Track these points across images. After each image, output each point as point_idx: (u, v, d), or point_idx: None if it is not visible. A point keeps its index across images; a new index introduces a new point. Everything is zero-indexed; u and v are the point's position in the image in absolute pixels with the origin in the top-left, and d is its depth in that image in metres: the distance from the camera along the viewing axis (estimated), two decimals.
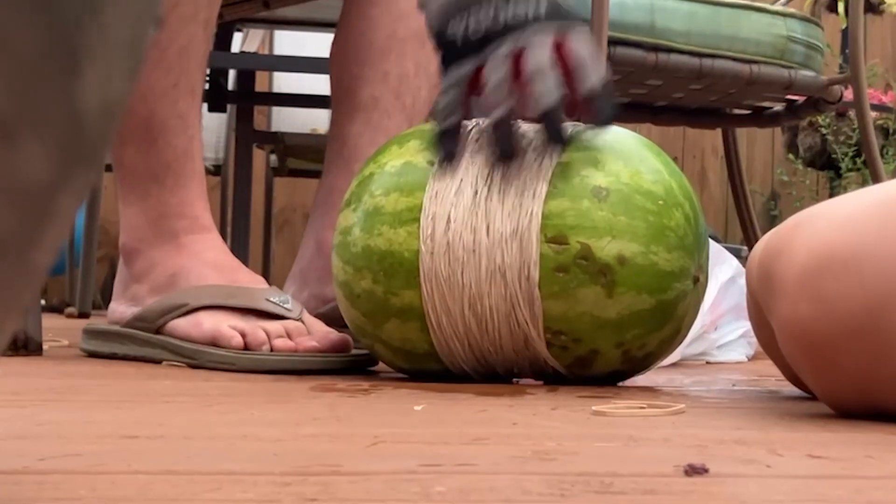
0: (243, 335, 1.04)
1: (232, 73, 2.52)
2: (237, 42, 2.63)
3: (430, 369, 0.95)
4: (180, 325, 1.09)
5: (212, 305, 1.09)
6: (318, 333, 1.06)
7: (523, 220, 0.90)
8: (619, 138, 0.95)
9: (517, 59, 0.93)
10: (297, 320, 1.07)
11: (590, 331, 0.89)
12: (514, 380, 0.95)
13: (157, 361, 1.10)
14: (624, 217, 0.89)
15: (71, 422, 0.64)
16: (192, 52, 1.14)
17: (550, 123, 0.91)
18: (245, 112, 2.44)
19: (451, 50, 0.98)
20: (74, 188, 0.30)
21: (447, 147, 0.93)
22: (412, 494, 0.43)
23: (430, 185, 0.92)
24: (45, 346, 1.16)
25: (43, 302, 2.76)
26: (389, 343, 0.94)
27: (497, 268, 0.90)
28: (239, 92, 2.49)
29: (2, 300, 0.30)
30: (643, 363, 0.93)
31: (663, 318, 0.90)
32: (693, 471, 0.48)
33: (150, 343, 1.12)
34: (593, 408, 0.72)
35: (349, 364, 1.04)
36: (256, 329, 1.05)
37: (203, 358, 1.05)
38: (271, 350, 1.03)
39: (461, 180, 0.92)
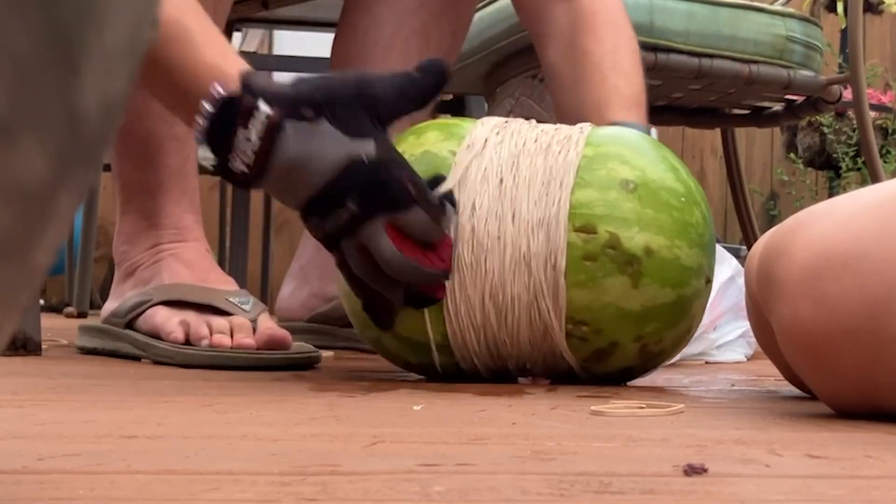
0: (188, 327, 1.09)
1: None
2: (236, 42, 2.63)
3: (437, 363, 0.93)
4: (140, 319, 1.15)
5: (172, 301, 1.13)
6: (259, 332, 1.08)
7: (550, 208, 0.90)
8: (637, 139, 0.96)
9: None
10: (252, 321, 1.10)
11: (612, 322, 0.89)
12: (520, 379, 0.94)
13: (127, 355, 1.15)
14: (651, 210, 0.90)
15: (70, 421, 0.64)
16: None
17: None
18: None
19: None
20: (73, 188, 0.30)
21: None
22: (411, 494, 0.43)
23: (453, 174, 0.91)
24: (44, 346, 1.16)
25: (42, 302, 2.76)
26: (399, 332, 0.92)
27: (522, 256, 0.89)
28: None
29: (1, 300, 0.30)
30: (655, 361, 0.94)
31: (681, 313, 0.91)
32: (692, 470, 0.48)
33: (119, 337, 1.17)
34: (592, 408, 0.72)
35: (287, 362, 1.06)
36: (201, 324, 1.09)
37: (150, 351, 1.11)
38: (210, 346, 1.07)
39: (486, 169, 0.92)
